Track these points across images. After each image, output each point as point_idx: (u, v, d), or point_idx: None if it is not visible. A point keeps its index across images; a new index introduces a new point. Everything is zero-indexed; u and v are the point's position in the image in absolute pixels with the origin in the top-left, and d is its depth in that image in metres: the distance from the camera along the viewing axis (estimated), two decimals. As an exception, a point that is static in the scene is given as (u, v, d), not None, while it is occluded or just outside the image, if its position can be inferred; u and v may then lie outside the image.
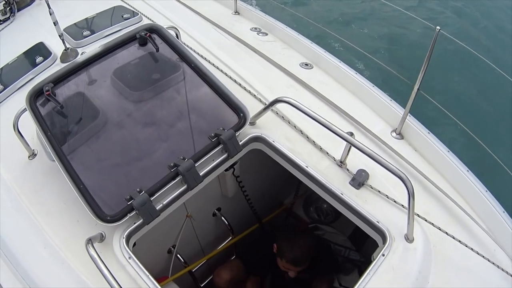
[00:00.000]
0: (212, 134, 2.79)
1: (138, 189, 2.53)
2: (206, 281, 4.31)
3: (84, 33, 3.88)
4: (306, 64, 3.73)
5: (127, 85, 3.04)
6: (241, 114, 2.89)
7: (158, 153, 2.78)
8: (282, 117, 3.13)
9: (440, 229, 2.60)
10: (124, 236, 2.50)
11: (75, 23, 4.02)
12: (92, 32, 3.90)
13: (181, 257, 3.74)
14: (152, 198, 2.53)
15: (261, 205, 4.21)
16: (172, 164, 2.64)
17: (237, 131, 2.83)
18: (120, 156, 2.78)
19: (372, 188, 2.74)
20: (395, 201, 2.67)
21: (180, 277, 3.65)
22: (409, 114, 3.04)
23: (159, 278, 3.44)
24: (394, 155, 2.96)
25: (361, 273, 3.76)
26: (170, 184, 2.62)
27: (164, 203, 2.63)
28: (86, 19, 4.08)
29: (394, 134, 3.16)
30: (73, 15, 4.11)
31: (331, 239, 4.18)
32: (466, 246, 2.54)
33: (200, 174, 2.72)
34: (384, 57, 8.42)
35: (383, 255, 2.42)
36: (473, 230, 2.66)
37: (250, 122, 2.95)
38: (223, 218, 4.04)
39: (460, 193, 2.86)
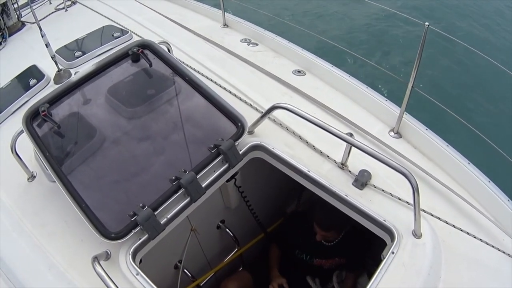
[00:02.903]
0: (212, 145, 2.73)
1: (141, 205, 2.46)
2: None
3: (75, 54, 3.83)
4: (299, 71, 3.68)
5: (122, 102, 2.98)
6: (239, 124, 2.83)
7: (159, 167, 2.72)
8: (280, 124, 3.07)
9: (447, 223, 2.55)
10: (130, 252, 2.42)
11: (65, 45, 3.98)
12: (84, 53, 3.85)
13: (188, 271, 3.65)
14: (156, 213, 2.46)
15: (265, 214, 4.12)
16: (173, 178, 2.58)
17: (236, 140, 2.77)
18: (120, 173, 2.72)
19: (375, 187, 2.68)
20: (399, 199, 2.61)
21: None
22: (405, 112, 3.00)
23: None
24: (394, 154, 2.91)
25: (370, 276, 3.72)
26: (173, 198, 2.55)
27: (168, 217, 2.55)
28: (76, 40, 4.04)
29: (392, 133, 3.11)
30: (63, 38, 4.06)
31: None
32: (475, 237, 2.49)
33: (202, 186, 2.65)
34: (376, 58, 8.38)
35: (393, 252, 2.35)
36: (480, 222, 2.61)
37: (248, 131, 2.89)
38: (227, 230, 3.96)
39: (463, 186, 2.80)
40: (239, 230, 4.03)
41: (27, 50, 4.20)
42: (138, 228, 2.42)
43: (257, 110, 3.17)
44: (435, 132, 3.01)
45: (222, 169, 2.76)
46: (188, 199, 2.62)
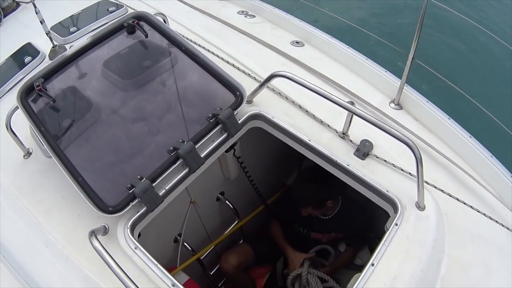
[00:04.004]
0: (210, 115, 2.64)
1: (138, 176, 2.37)
2: (215, 269, 4.14)
3: (70, 30, 3.70)
4: (297, 42, 3.55)
5: (118, 75, 2.87)
6: (238, 93, 2.73)
7: (157, 139, 2.63)
8: (279, 93, 2.96)
9: (450, 196, 2.47)
10: (129, 226, 2.34)
11: (60, 22, 3.85)
12: (79, 28, 3.72)
13: (188, 245, 3.57)
14: (154, 184, 2.37)
15: (265, 186, 4.03)
16: (171, 148, 2.49)
17: (235, 109, 2.66)
18: (118, 146, 2.63)
19: (377, 157, 2.59)
20: (402, 170, 2.52)
21: (189, 266, 3.49)
22: (406, 84, 2.90)
23: (167, 269, 3.28)
24: (395, 125, 2.81)
25: (372, 249, 3.68)
26: (172, 169, 2.46)
27: (167, 188, 2.46)
28: (71, 16, 3.90)
29: (392, 105, 3.02)
30: (58, 15, 3.92)
31: None
32: (478, 211, 2.41)
33: (201, 156, 2.56)
34: (376, 29, 8.12)
35: (396, 224, 2.28)
36: (483, 196, 2.54)
37: (247, 101, 2.79)
38: (227, 202, 3.87)
39: (465, 160, 2.73)
40: (239, 202, 3.95)
41: (22, 29, 4.08)
42: (136, 201, 2.33)
43: (255, 79, 3.06)
44: (436, 104, 2.92)
45: (220, 138, 2.67)
46: (186, 170, 2.53)
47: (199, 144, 2.54)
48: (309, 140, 2.67)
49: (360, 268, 3.45)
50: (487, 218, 2.40)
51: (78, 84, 2.79)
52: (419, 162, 2.16)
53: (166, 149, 2.49)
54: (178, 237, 3.51)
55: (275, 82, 2.76)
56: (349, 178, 2.58)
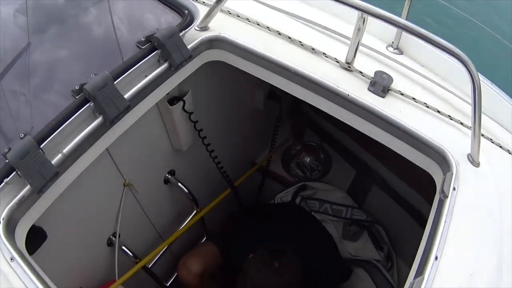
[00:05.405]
0: (142, 39, 1.71)
1: (22, 135, 1.40)
2: (174, 277, 2.95)
3: None
4: None
5: None
6: (186, 11, 1.82)
7: (62, 78, 1.68)
8: (247, 19, 2.03)
9: (501, 147, 1.76)
10: (2, 218, 1.34)
11: None
12: None
13: (128, 249, 2.43)
14: (42, 145, 1.39)
15: (229, 161, 2.88)
16: (77, 87, 1.52)
17: (182, 31, 1.74)
18: (4, 89, 1.63)
19: (402, 95, 1.76)
20: (438, 112, 1.72)
21: (135, 276, 2.39)
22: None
23: (104, 284, 2.27)
24: (400, 68, 2.02)
25: (372, 236, 2.90)
26: (73, 117, 1.47)
27: (65, 151, 1.46)
28: None
29: (391, 49, 2.24)
30: None
31: (326, 198, 3.16)
32: None
33: (125, 97, 1.59)
34: None
35: (454, 188, 1.48)
36: None
37: (200, 27, 1.88)
38: (180, 184, 2.64)
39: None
40: (196, 184, 2.77)
41: None
42: (13, 174, 1.36)
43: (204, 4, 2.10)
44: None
45: (158, 70, 1.72)
46: (100, 119, 1.55)
47: (121, 78, 1.59)
48: (299, 68, 1.79)
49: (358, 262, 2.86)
50: None
51: None
52: (477, 87, 1.40)
53: (70, 90, 1.54)
54: (113, 238, 2.35)
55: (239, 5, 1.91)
56: (370, 124, 1.74)
